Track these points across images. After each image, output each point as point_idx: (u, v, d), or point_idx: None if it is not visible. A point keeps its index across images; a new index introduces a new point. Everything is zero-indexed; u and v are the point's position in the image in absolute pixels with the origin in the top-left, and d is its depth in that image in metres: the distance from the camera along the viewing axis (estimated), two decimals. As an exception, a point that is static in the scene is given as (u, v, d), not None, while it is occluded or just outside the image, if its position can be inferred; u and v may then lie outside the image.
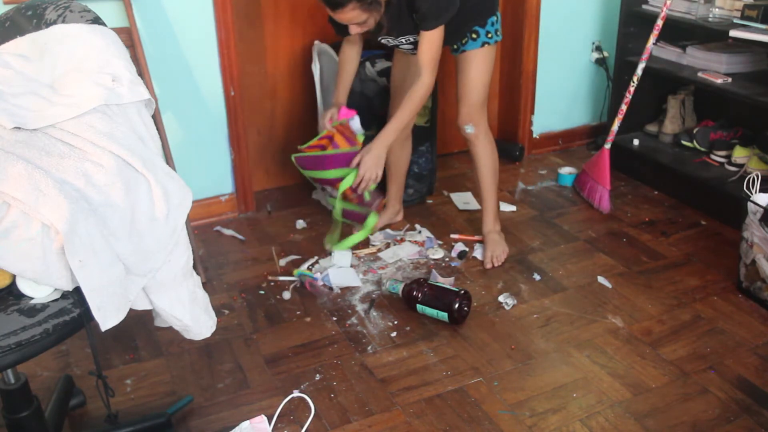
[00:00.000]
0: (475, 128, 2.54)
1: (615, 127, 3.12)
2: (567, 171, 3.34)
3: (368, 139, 2.85)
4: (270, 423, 1.90)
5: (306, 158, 2.42)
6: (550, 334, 2.28)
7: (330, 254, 2.68)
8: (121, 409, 1.96)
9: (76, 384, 2.01)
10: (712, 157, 3.15)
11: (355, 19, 2.19)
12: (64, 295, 1.41)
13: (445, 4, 2.25)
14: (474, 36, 2.43)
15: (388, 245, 2.76)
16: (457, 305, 2.27)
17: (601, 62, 3.60)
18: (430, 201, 3.15)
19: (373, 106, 2.82)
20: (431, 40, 2.29)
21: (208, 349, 2.22)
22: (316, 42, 2.95)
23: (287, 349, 2.22)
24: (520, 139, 3.60)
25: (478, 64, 2.45)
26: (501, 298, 2.44)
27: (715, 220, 2.96)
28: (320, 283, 2.51)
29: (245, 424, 1.86)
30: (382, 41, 2.44)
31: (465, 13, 2.35)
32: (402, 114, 2.38)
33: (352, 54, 2.54)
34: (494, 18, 2.45)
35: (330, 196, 2.47)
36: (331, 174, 2.38)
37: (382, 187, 2.90)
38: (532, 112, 3.59)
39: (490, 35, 2.45)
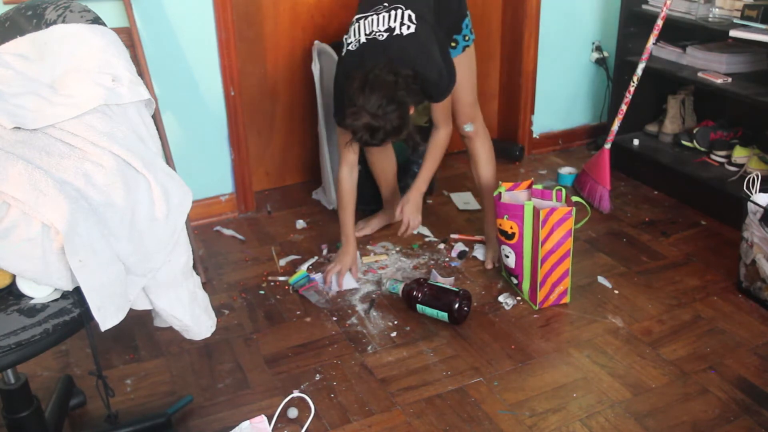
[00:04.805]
0: (474, 125, 2.57)
1: (615, 127, 3.12)
2: (567, 171, 3.34)
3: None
4: (270, 423, 1.90)
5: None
6: (550, 334, 2.28)
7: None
8: (121, 409, 1.96)
9: (76, 384, 2.01)
10: (712, 157, 3.15)
11: (397, 138, 2.26)
12: (64, 295, 1.41)
13: (447, 82, 2.33)
14: (453, 44, 2.46)
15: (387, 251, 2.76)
16: (457, 305, 2.27)
17: (601, 62, 3.60)
18: (430, 201, 3.15)
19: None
20: (444, 105, 2.41)
21: (208, 349, 2.22)
22: (316, 42, 2.95)
23: (287, 349, 2.22)
24: (520, 139, 3.60)
25: (463, 69, 2.47)
26: (501, 298, 2.44)
27: (715, 220, 2.96)
28: (318, 284, 2.52)
29: (245, 424, 1.86)
30: None
31: (444, 29, 2.38)
32: (431, 164, 2.53)
33: (351, 183, 2.54)
34: (467, 20, 2.49)
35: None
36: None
37: (377, 194, 2.91)
38: (532, 112, 3.59)
39: (467, 38, 2.50)
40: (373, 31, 2.26)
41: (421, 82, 2.23)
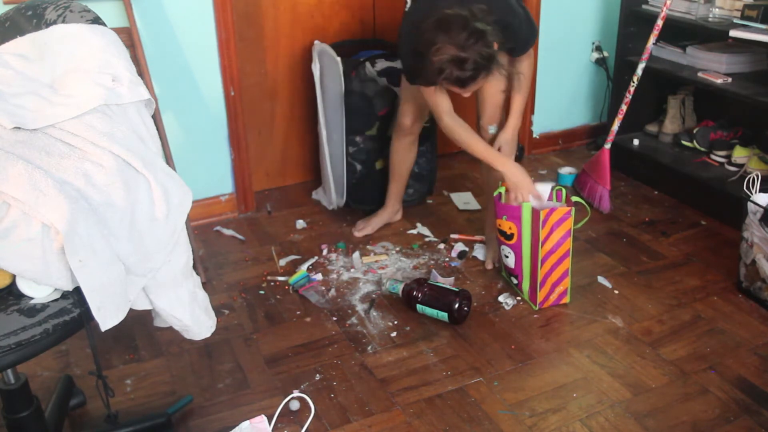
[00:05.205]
0: (497, 128, 2.56)
1: (615, 127, 3.12)
2: (567, 171, 3.34)
3: (369, 138, 2.86)
4: (270, 423, 1.90)
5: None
6: (550, 334, 2.28)
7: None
8: (121, 409, 1.96)
9: (76, 384, 2.01)
10: (712, 157, 3.15)
11: (482, 82, 2.18)
12: (64, 295, 1.41)
13: (528, 31, 2.32)
14: None
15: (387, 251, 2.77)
16: (457, 305, 2.27)
17: (601, 62, 3.60)
18: (430, 201, 3.15)
19: (373, 105, 2.82)
20: (528, 57, 2.41)
21: (208, 349, 2.22)
22: (316, 42, 2.95)
23: (287, 349, 2.22)
24: (520, 139, 3.59)
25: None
26: (501, 298, 2.44)
27: (715, 220, 2.96)
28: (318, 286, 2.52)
29: (245, 424, 1.86)
30: None
31: None
32: (523, 95, 2.49)
33: (408, 153, 2.55)
34: None
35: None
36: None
37: (383, 185, 2.91)
38: (532, 112, 3.59)
39: None
40: None
41: (503, 29, 2.15)
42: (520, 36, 2.29)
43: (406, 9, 2.32)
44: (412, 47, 2.20)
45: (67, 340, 1.62)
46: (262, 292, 2.51)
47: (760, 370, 2.10)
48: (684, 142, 3.28)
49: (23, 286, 1.39)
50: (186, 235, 1.57)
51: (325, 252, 2.74)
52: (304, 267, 2.63)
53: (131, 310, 1.49)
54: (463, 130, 2.42)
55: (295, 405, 1.97)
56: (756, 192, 2.39)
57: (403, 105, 2.66)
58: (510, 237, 2.35)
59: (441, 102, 2.38)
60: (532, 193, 2.36)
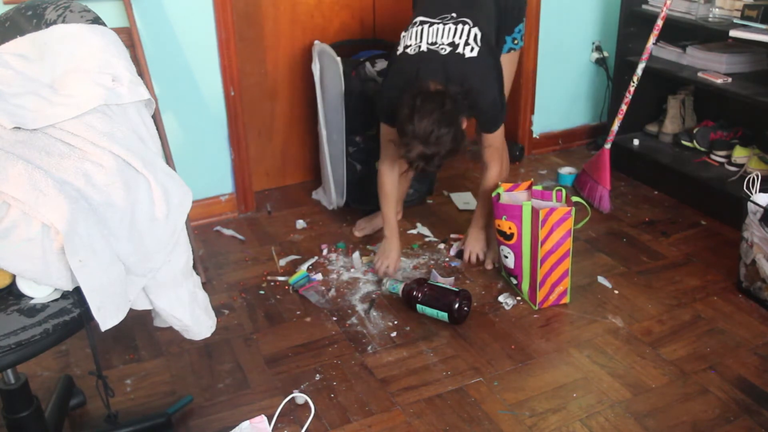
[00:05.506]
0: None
1: (615, 127, 3.12)
2: (567, 171, 3.34)
3: (369, 138, 2.87)
4: (270, 423, 1.90)
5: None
6: (550, 334, 2.28)
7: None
8: (121, 409, 1.96)
9: (76, 384, 2.01)
10: (712, 157, 3.15)
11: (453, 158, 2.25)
12: (64, 295, 1.41)
13: (498, 112, 2.36)
14: (501, 43, 2.48)
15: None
16: (457, 305, 2.27)
17: (601, 62, 3.60)
18: (430, 201, 3.15)
19: (374, 105, 2.82)
20: (495, 138, 2.44)
21: (208, 349, 2.22)
22: (316, 42, 2.95)
23: (287, 349, 2.22)
24: (520, 139, 3.60)
25: (504, 69, 2.46)
26: (501, 298, 2.44)
27: (715, 220, 2.96)
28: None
29: (245, 424, 1.86)
30: None
31: (499, 26, 2.39)
32: (483, 205, 2.61)
33: (393, 177, 2.55)
34: (521, 25, 2.51)
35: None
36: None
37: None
38: (532, 112, 3.59)
39: (516, 41, 2.52)
40: (436, 42, 2.25)
41: (473, 104, 2.22)
42: (489, 116, 2.35)
43: (397, 54, 2.33)
44: (389, 103, 2.28)
45: (67, 340, 1.63)
46: (262, 292, 2.51)
47: (760, 370, 2.10)
48: (684, 142, 3.28)
49: (23, 286, 1.39)
50: (186, 235, 1.57)
51: (325, 252, 2.74)
52: (304, 267, 2.63)
53: (131, 310, 1.49)
54: (387, 179, 2.53)
55: (300, 399, 1.98)
56: (756, 192, 2.39)
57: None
58: (510, 237, 2.35)
59: (390, 147, 2.41)
60: (389, 269, 2.53)
